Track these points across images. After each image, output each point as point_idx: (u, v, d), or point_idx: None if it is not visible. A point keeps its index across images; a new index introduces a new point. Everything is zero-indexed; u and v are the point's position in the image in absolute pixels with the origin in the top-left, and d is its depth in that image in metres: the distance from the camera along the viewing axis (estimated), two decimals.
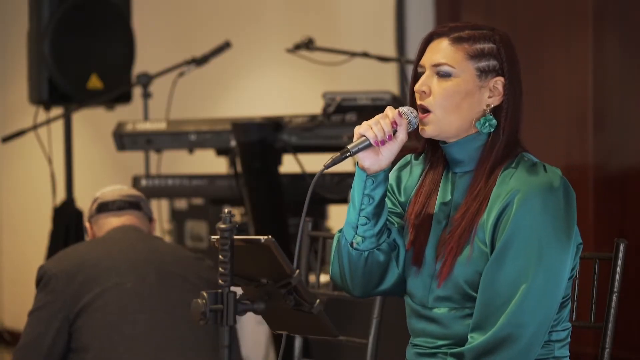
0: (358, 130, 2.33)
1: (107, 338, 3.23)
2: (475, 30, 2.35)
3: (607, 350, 2.51)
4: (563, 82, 4.63)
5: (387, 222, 2.39)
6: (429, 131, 2.34)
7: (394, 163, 2.40)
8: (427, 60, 2.36)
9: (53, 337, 3.25)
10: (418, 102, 2.35)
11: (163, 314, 3.29)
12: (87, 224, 3.48)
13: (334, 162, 2.30)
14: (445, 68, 2.33)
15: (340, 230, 2.41)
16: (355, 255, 2.37)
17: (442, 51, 2.34)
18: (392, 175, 2.49)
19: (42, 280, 3.30)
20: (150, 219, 3.51)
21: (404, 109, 2.35)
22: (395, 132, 2.32)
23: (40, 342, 3.25)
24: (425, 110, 2.34)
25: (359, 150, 2.32)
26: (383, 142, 2.31)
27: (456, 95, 2.32)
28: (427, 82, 2.34)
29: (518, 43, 2.45)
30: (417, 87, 2.35)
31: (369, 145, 2.31)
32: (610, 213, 4.53)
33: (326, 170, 2.32)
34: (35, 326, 3.26)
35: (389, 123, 2.31)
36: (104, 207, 3.45)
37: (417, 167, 2.47)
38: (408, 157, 2.50)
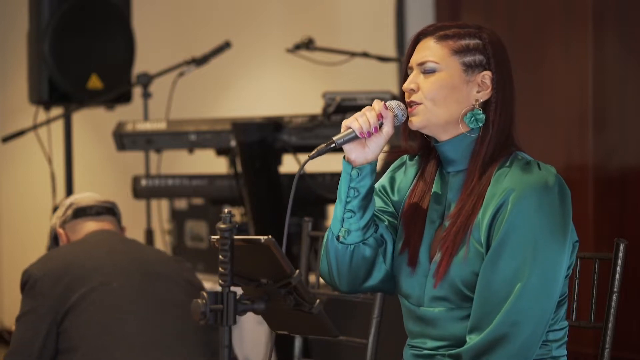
0: (345, 122, 2.34)
1: (96, 338, 3.22)
2: (461, 29, 2.37)
3: (607, 350, 2.51)
4: (563, 82, 4.63)
5: (376, 219, 2.40)
6: (417, 122, 2.35)
7: (386, 165, 2.40)
8: (413, 60, 2.38)
9: (43, 341, 3.23)
10: (407, 100, 2.37)
11: (151, 312, 3.29)
12: (59, 230, 3.47)
13: (319, 153, 2.32)
14: (430, 64, 2.35)
15: (329, 228, 2.41)
16: (341, 249, 2.38)
17: (427, 49, 2.36)
18: (386, 176, 2.50)
19: (28, 284, 3.29)
20: (121, 227, 3.53)
21: (391, 103, 2.37)
22: (381, 124, 2.33)
23: (29, 347, 3.24)
24: (415, 104, 2.35)
25: (345, 141, 2.33)
26: (369, 134, 2.32)
27: (442, 89, 2.33)
28: (414, 79, 2.36)
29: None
30: (405, 86, 2.38)
31: (355, 137, 2.33)
32: (610, 213, 4.53)
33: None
34: (24, 331, 3.25)
35: (374, 115, 2.33)
36: (81, 212, 3.46)
37: (411, 168, 2.48)
38: (403, 157, 2.51)
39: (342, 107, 4.12)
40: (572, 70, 4.61)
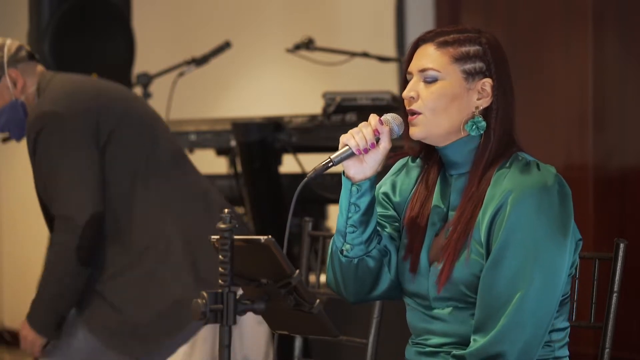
0: (342, 139, 2.33)
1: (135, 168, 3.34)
2: (461, 34, 2.35)
3: (607, 350, 2.51)
4: (563, 82, 4.63)
5: (378, 228, 2.39)
6: (417, 133, 2.34)
7: (382, 173, 2.40)
8: (413, 66, 2.36)
9: (99, 171, 3.23)
10: (407, 108, 2.36)
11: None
12: (12, 71, 3.30)
13: (317, 173, 2.31)
14: (431, 73, 2.33)
15: (332, 240, 2.41)
16: (345, 262, 2.38)
17: (427, 56, 2.34)
18: (387, 181, 2.50)
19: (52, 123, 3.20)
20: None
21: (387, 117, 2.35)
22: (378, 140, 2.32)
23: (91, 178, 3.21)
24: (415, 113, 2.34)
25: (342, 159, 2.32)
26: (366, 151, 2.31)
27: (443, 98, 2.32)
28: (414, 87, 2.34)
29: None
30: (404, 93, 2.36)
31: (352, 154, 2.32)
32: (610, 213, 4.53)
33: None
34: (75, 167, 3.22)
35: (370, 131, 2.32)
36: (32, 56, 3.35)
37: (414, 170, 2.47)
38: (405, 159, 2.50)
39: (342, 107, 4.12)
40: (572, 70, 4.61)
